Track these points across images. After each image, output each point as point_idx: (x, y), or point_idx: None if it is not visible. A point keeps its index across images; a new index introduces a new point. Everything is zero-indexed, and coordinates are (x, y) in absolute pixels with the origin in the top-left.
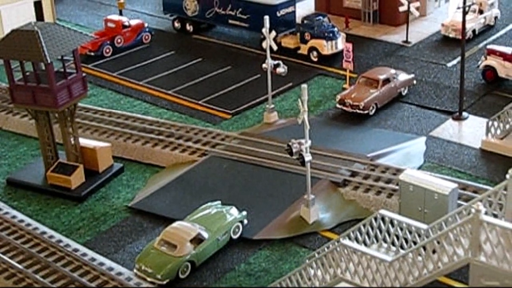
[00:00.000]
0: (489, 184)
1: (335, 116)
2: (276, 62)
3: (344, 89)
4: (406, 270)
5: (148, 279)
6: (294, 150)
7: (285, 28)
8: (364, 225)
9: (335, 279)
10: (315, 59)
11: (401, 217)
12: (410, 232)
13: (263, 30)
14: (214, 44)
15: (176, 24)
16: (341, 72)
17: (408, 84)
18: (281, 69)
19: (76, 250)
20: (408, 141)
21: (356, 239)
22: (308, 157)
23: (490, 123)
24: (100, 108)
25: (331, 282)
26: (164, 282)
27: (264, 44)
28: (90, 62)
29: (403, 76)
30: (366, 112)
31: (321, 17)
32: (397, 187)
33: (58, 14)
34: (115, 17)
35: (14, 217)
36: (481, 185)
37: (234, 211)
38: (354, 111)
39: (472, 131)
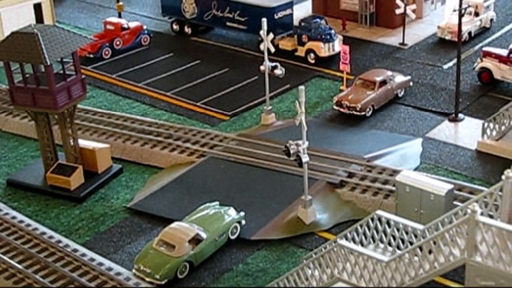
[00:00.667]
0: (485, 185)
1: (332, 117)
2: (273, 64)
3: (341, 90)
4: (402, 270)
5: (147, 279)
6: (291, 152)
7: (282, 31)
8: (361, 226)
9: (332, 279)
10: (313, 61)
11: (397, 217)
12: (407, 233)
13: (261, 32)
14: (212, 46)
15: (175, 27)
16: (338, 74)
17: (404, 86)
18: (279, 71)
19: (75, 250)
20: (404, 142)
21: (353, 240)
22: (305, 158)
23: (485, 124)
24: (99, 110)
25: (328, 282)
26: (163, 282)
27: (261, 46)
28: (89, 64)
29: (399, 78)
30: (363, 113)
31: (318, 20)
32: (393, 188)
33: (57, 16)
34: (114, 19)
35: (14, 217)
36: (476, 186)
37: (232, 211)
38: (351, 112)
39: (468, 132)
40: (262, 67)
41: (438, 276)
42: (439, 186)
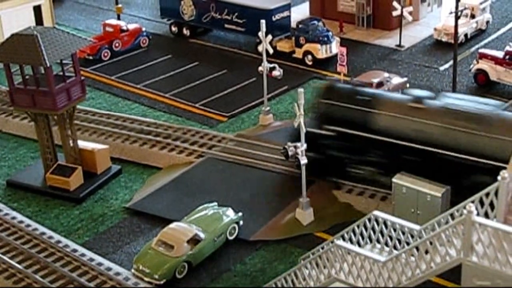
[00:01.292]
0: None
1: None
2: (271, 65)
3: None
4: (399, 270)
5: (146, 279)
6: (290, 153)
7: (280, 32)
8: (358, 226)
9: (330, 279)
10: (310, 63)
11: (394, 218)
12: (403, 233)
13: (259, 34)
14: (211, 48)
15: (173, 29)
16: (336, 75)
17: (401, 88)
18: (277, 73)
19: (75, 250)
20: None
21: (350, 240)
22: (303, 160)
23: None
24: (98, 111)
25: (326, 282)
26: (162, 282)
27: (259, 48)
28: (89, 66)
29: (396, 80)
30: None
31: (315, 22)
32: (390, 190)
33: (57, 18)
34: (113, 21)
35: (14, 218)
36: None
37: (230, 212)
38: None
39: None
40: (260, 69)
41: (434, 276)
42: (435, 187)
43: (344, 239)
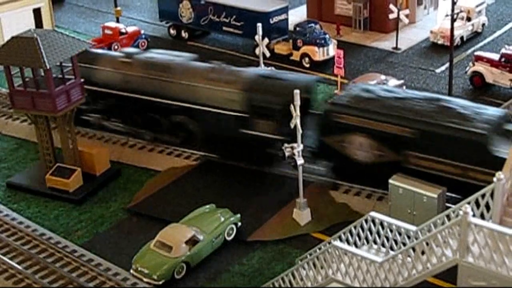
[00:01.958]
0: None
1: None
2: (269, 68)
3: (335, 94)
4: (395, 271)
5: (145, 279)
6: (286, 154)
7: (277, 35)
8: (355, 227)
9: (327, 279)
10: (307, 65)
11: (391, 219)
12: (400, 234)
13: (256, 37)
14: (209, 51)
15: (172, 31)
16: (333, 78)
17: None
18: None
19: (74, 251)
20: None
21: (347, 241)
22: (300, 161)
23: None
24: None
25: (323, 283)
26: (160, 283)
27: (257, 51)
28: None
29: (393, 82)
30: None
31: (313, 24)
32: (387, 191)
33: (56, 21)
34: (112, 24)
35: (14, 219)
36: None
37: (228, 213)
38: None
39: None
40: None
41: (430, 276)
42: (431, 188)
43: (341, 240)
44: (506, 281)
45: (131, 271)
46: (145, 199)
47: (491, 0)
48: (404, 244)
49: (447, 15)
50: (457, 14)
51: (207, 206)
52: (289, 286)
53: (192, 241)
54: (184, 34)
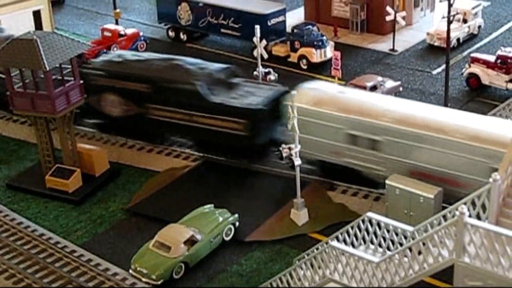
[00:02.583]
0: None
1: None
2: (267, 69)
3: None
4: (392, 271)
5: (143, 279)
6: (284, 155)
7: (275, 37)
8: (352, 227)
9: (324, 279)
10: (305, 67)
11: (387, 219)
12: (397, 234)
13: (254, 39)
14: (207, 52)
15: (170, 33)
16: (330, 79)
17: (394, 91)
18: (272, 77)
19: (73, 251)
20: None
21: (344, 241)
22: (297, 162)
23: None
24: None
25: (320, 283)
26: (159, 283)
27: (255, 52)
28: None
29: (389, 83)
30: None
31: (310, 26)
32: (384, 191)
33: (56, 23)
34: (112, 26)
35: (13, 219)
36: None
37: (226, 214)
38: None
39: None
40: (255, 73)
41: (427, 276)
42: (428, 189)
43: (338, 240)
44: (502, 281)
45: (130, 271)
46: (144, 199)
47: (487, 2)
48: (401, 244)
49: (443, 17)
50: (454, 16)
51: (206, 207)
52: (286, 286)
53: (191, 241)
54: (183, 36)
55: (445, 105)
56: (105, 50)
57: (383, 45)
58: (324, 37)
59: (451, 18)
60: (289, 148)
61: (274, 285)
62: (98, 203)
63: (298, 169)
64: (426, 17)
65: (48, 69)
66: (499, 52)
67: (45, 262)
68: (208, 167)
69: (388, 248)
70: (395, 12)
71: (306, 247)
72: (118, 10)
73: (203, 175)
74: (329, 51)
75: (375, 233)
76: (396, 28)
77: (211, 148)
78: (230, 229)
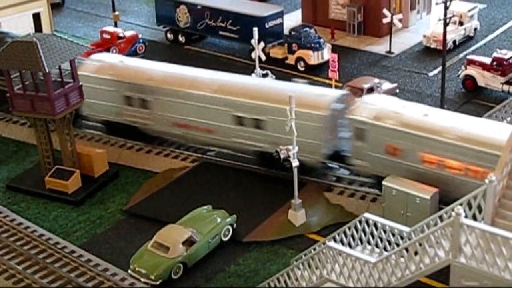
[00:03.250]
0: None
1: None
2: (264, 71)
3: None
4: (389, 271)
5: (142, 279)
6: (282, 156)
7: (273, 39)
8: (349, 228)
9: (321, 279)
10: (302, 69)
11: (384, 220)
12: (393, 235)
13: (252, 41)
14: (205, 54)
15: (169, 35)
16: (327, 81)
17: (391, 93)
18: (270, 78)
19: (73, 252)
20: None
21: (342, 241)
22: (295, 163)
23: None
24: None
25: (318, 283)
26: (158, 283)
27: (253, 55)
28: None
29: (386, 85)
30: None
31: (307, 29)
32: (380, 192)
33: (55, 25)
34: (111, 28)
35: (13, 220)
36: None
37: (224, 214)
38: None
39: None
40: (253, 75)
41: (423, 276)
42: (424, 189)
43: (335, 241)
44: (498, 281)
45: (129, 271)
46: (143, 200)
47: (483, 4)
48: (398, 245)
49: (439, 20)
50: (450, 18)
51: (204, 207)
52: (284, 286)
53: (189, 242)
54: (181, 38)
55: (441, 106)
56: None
57: (379, 47)
58: (321, 39)
59: (447, 20)
60: (287, 150)
61: (272, 285)
62: (97, 204)
63: (295, 170)
64: (422, 19)
65: (47, 71)
66: (495, 54)
67: (45, 263)
68: (206, 168)
69: (385, 249)
70: (392, 15)
71: (304, 247)
72: (117, 13)
73: (201, 176)
74: (326, 53)
75: (372, 234)
76: (393, 31)
77: None
78: (228, 229)
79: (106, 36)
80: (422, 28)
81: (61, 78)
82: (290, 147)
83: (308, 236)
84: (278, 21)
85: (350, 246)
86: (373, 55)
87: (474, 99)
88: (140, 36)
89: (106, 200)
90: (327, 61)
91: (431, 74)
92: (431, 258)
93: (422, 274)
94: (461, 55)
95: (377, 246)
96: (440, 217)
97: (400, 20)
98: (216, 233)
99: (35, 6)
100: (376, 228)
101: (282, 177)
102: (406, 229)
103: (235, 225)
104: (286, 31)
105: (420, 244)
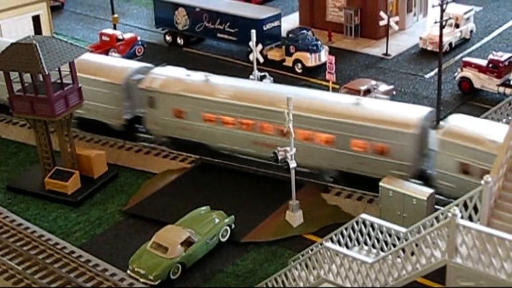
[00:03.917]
0: None
1: None
2: (262, 73)
3: None
4: (386, 272)
5: (141, 279)
6: (279, 158)
7: (271, 41)
8: (346, 229)
9: (319, 280)
10: (300, 71)
11: (381, 221)
12: (390, 235)
13: (250, 43)
14: (204, 57)
15: (168, 38)
16: (324, 83)
17: (388, 95)
18: (267, 81)
19: (72, 252)
20: None
21: (339, 242)
22: (293, 164)
23: None
24: None
25: (315, 283)
26: (156, 283)
27: (251, 57)
28: None
29: (383, 87)
30: None
31: (305, 31)
32: (377, 193)
33: (55, 28)
34: (110, 31)
35: (13, 221)
36: None
37: (222, 215)
38: None
39: None
40: (251, 77)
41: (420, 277)
42: (421, 190)
43: (332, 241)
44: (494, 282)
45: (128, 271)
46: (142, 201)
47: (479, 7)
48: (394, 245)
49: (436, 22)
50: (446, 21)
51: (202, 208)
52: (282, 286)
53: (188, 243)
54: (180, 41)
55: (438, 108)
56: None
57: (376, 49)
58: (319, 42)
59: (444, 23)
60: (285, 151)
61: (270, 285)
62: (97, 205)
63: (293, 171)
64: (419, 22)
65: (47, 73)
66: (490, 57)
67: (45, 263)
68: (204, 169)
69: (382, 249)
70: (389, 17)
71: (301, 248)
72: (116, 15)
73: (199, 177)
74: (324, 56)
75: (368, 234)
76: (390, 33)
77: None
78: (226, 230)
79: (105, 38)
80: (418, 30)
81: (61, 79)
82: (288, 148)
83: (306, 237)
84: (276, 23)
85: (347, 247)
86: (370, 57)
87: (470, 101)
88: (139, 38)
89: (105, 201)
90: (325, 63)
91: (427, 76)
92: (428, 258)
93: (418, 274)
94: (457, 57)
95: (374, 246)
96: (436, 218)
97: (396, 23)
98: (214, 234)
99: (35, 8)
100: (373, 229)
101: (280, 178)
102: (402, 229)
103: (233, 226)
104: (283, 34)
105: (416, 245)
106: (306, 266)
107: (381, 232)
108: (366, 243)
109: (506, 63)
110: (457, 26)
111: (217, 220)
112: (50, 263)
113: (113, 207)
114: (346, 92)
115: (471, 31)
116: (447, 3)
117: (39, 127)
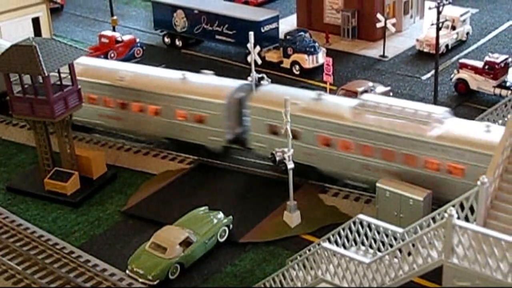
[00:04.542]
0: None
1: None
2: (260, 75)
3: None
4: (383, 272)
5: (140, 279)
6: (277, 158)
7: (269, 43)
8: (343, 229)
9: (316, 280)
10: (297, 72)
11: (378, 221)
12: (387, 236)
13: (248, 45)
14: (202, 58)
15: (166, 40)
16: (322, 84)
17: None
18: (265, 82)
19: (71, 252)
20: None
21: (336, 242)
22: (290, 165)
23: None
24: None
25: (312, 283)
26: (155, 283)
27: (249, 58)
28: None
29: (380, 89)
30: None
31: (302, 33)
32: (374, 194)
33: (55, 30)
34: (109, 33)
35: (13, 221)
36: None
37: (220, 216)
38: None
39: None
40: (249, 78)
41: (416, 277)
42: (417, 191)
43: (330, 242)
44: (490, 282)
45: (127, 271)
46: (140, 202)
47: (475, 9)
48: (391, 246)
49: (432, 24)
50: (442, 23)
51: (201, 209)
52: (279, 286)
53: (186, 243)
54: (178, 43)
55: None
56: (102, 56)
57: (373, 51)
58: (316, 44)
59: (440, 25)
60: (282, 152)
61: (268, 285)
62: (96, 205)
63: (291, 172)
64: (415, 24)
65: (46, 74)
66: (487, 58)
67: (44, 263)
68: (202, 170)
69: (379, 249)
70: (385, 19)
71: (299, 248)
72: (115, 17)
73: (198, 178)
74: (321, 57)
75: (366, 235)
76: (387, 35)
77: None
78: (225, 230)
79: (104, 40)
80: (415, 32)
81: (60, 81)
82: (286, 149)
83: (303, 237)
84: (274, 25)
85: (345, 247)
86: (367, 59)
87: (466, 102)
88: (137, 40)
89: (105, 201)
90: (322, 65)
91: (424, 77)
92: (424, 258)
93: (415, 274)
94: (453, 59)
95: (371, 247)
96: (433, 218)
97: (393, 25)
98: (213, 234)
99: (34, 10)
100: (370, 229)
101: (278, 178)
102: (399, 230)
103: (231, 226)
104: (281, 35)
105: (413, 245)
106: (304, 266)
107: (378, 233)
108: (363, 244)
109: (502, 64)
110: (453, 28)
111: (215, 221)
112: (50, 263)
113: (112, 207)
114: (344, 93)
115: (468, 33)
116: (443, 5)
117: (39, 128)
